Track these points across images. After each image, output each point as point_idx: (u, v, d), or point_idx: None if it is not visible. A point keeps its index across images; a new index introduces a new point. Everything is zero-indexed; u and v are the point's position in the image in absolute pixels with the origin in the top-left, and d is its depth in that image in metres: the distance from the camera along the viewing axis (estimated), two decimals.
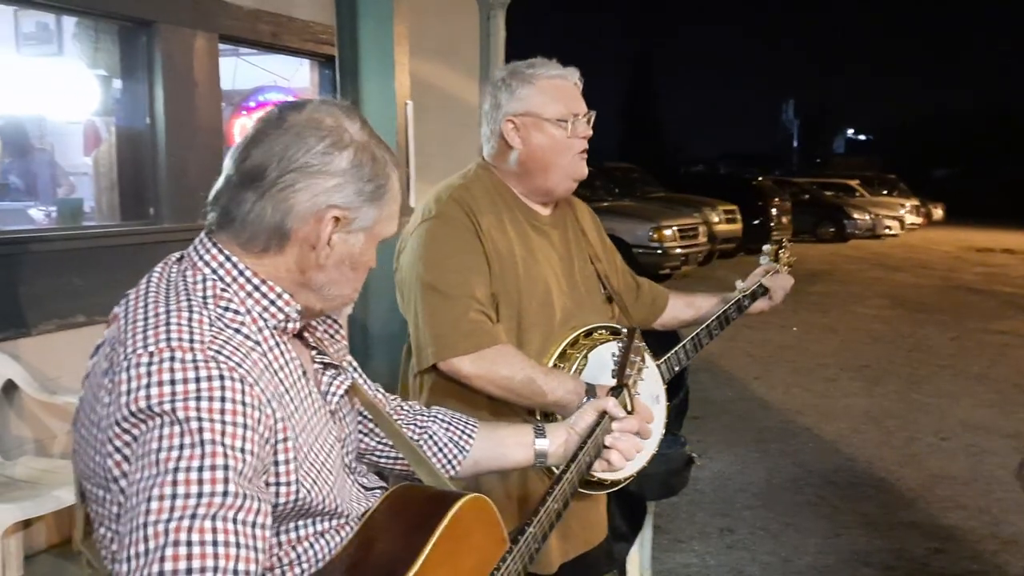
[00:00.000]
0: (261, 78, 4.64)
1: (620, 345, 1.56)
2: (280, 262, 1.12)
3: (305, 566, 1.13)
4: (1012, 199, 33.54)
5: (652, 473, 2.95)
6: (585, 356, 1.82)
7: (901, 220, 22.88)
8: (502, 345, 1.74)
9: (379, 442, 1.41)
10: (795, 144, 64.76)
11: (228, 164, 1.11)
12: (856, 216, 20.97)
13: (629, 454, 1.45)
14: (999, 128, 49.58)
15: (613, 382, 1.55)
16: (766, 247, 2.33)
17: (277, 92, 4.64)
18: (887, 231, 21.79)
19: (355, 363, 1.40)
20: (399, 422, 1.45)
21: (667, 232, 11.67)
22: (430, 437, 1.46)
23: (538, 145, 1.85)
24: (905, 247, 19.60)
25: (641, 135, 50.78)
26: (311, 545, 1.14)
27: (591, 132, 1.91)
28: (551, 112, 1.84)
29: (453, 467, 1.46)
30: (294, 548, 1.12)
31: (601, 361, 1.77)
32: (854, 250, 18.23)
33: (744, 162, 44.11)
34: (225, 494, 0.92)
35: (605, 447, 1.44)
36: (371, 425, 1.39)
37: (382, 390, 1.46)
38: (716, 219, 13.63)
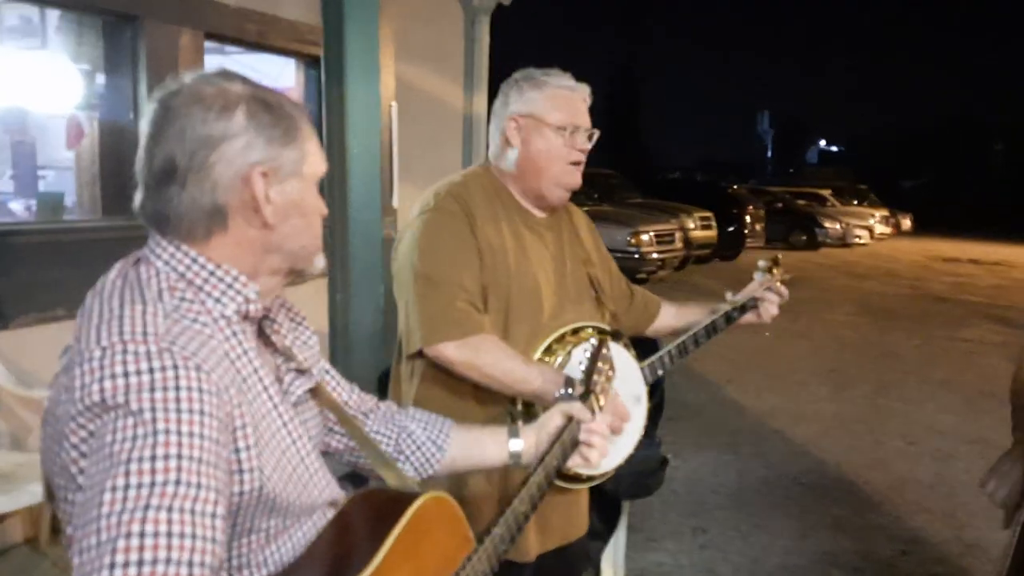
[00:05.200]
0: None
1: (589, 353, 1.61)
2: (230, 240, 1.11)
3: (271, 567, 1.12)
4: (979, 210, 34.20)
5: (627, 473, 3.01)
6: (568, 352, 1.88)
7: (871, 229, 23.26)
8: (487, 334, 1.80)
9: (354, 443, 1.42)
10: (769, 154, 65.41)
11: (140, 173, 1.11)
12: (827, 225, 21.27)
13: (596, 458, 1.49)
14: (966, 140, 50.45)
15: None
16: (761, 262, 2.31)
17: None
18: (857, 240, 22.13)
19: (329, 368, 1.41)
20: (375, 421, 1.47)
21: (644, 237, 11.79)
22: (408, 436, 1.47)
23: (535, 148, 1.92)
24: (874, 256, 19.90)
25: (621, 142, 51.01)
26: (279, 547, 1.14)
27: (589, 147, 1.97)
28: (553, 118, 1.90)
29: (432, 465, 1.48)
30: (263, 549, 1.11)
31: (584, 357, 1.83)
32: (825, 258, 18.47)
33: (720, 170, 44.53)
34: (178, 483, 0.90)
35: (575, 447, 1.48)
36: (341, 428, 1.40)
37: (358, 391, 1.47)
38: (692, 225, 13.76)
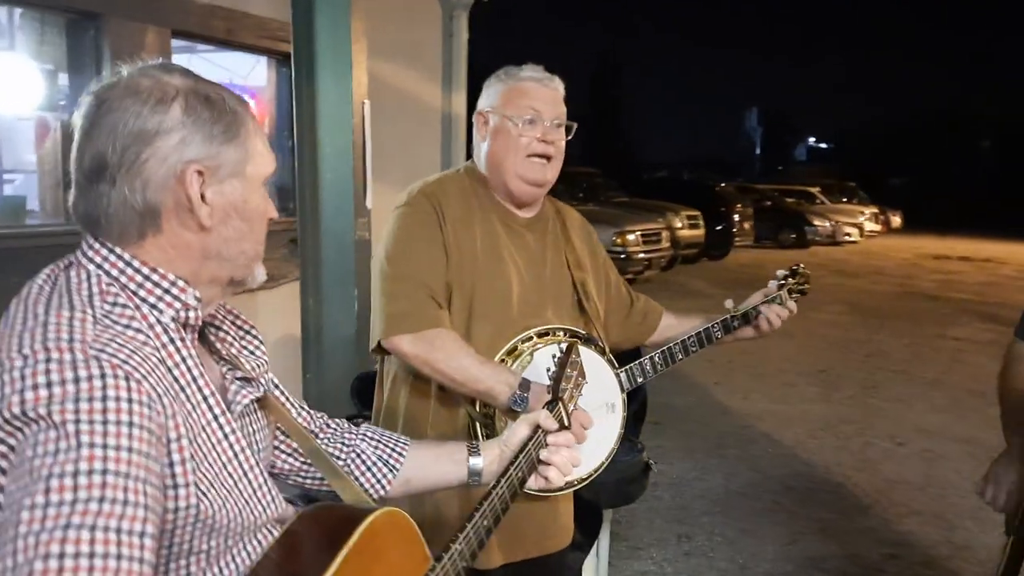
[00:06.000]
0: (217, 76, 4.55)
1: (557, 359, 1.53)
2: (164, 242, 1.05)
3: None
4: (969, 207, 34.33)
5: (608, 481, 2.92)
6: (531, 354, 1.83)
7: (860, 227, 23.27)
8: (443, 330, 1.79)
9: (303, 462, 1.35)
10: (758, 151, 65.57)
11: (73, 172, 1.05)
12: (817, 223, 21.26)
13: (565, 468, 1.42)
14: (956, 136, 50.68)
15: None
16: (780, 272, 2.16)
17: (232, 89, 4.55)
18: (847, 238, 22.14)
19: (277, 381, 1.34)
20: (325, 440, 1.40)
21: (630, 237, 11.70)
22: (358, 456, 1.40)
23: (495, 140, 1.92)
24: (864, 254, 19.91)
25: (605, 140, 51.04)
26: (221, 569, 1.07)
27: (556, 137, 1.92)
28: (511, 109, 1.89)
29: (383, 486, 1.41)
30: (203, 572, 1.04)
31: (549, 360, 1.76)
32: (814, 256, 18.44)
33: (708, 168, 44.55)
34: (102, 500, 0.84)
35: (541, 462, 1.41)
36: (293, 444, 1.33)
37: (307, 408, 1.41)
38: (679, 224, 13.71)
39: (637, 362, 2.00)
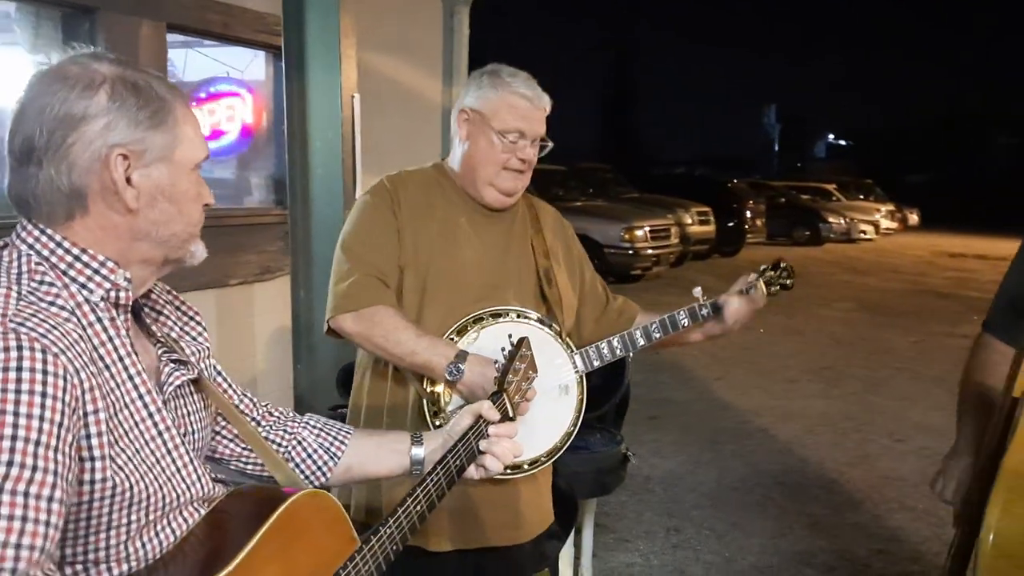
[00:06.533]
0: (214, 70, 4.59)
1: (507, 352, 1.55)
2: (92, 223, 1.09)
3: (133, 563, 1.09)
4: (987, 205, 33.92)
5: (585, 471, 2.96)
6: (478, 333, 1.87)
7: (876, 225, 23.08)
8: (383, 307, 1.82)
9: (243, 448, 1.38)
10: (776, 148, 65.13)
11: (6, 154, 1.09)
12: (831, 220, 21.11)
13: (505, 458, 1.44)
14: (976, 134, 50.10)
15: (498, 356, 1.59)
16: (761, 266, 2.10)
17: (228, 83, 4.58)
18: (862, 235, 21.97)
19: (219, 367, 1.38)
20: (267, 428, 1.43)
21: (638, 233, 11.68)
22: (299, 443, 1.43)
23: (475, 145, 1.94)
24: (878, 251, 19.76)
25: (617, 136, 50.88)
26: (145, 543, 1.10)
27: (533, 157, 1.96)
28: (498, 123, 1.91)
29: (324, 473, 1.43)
30: (125, 545, 1.08)
31: (495, 338, 1.82)
32: (827, 254, 18.33)
33: (724, 165, 44.29)
34: (10, 464, 0.89)
35: (480, 452, 1.43)
36: (234, 430, 1.36)
37: (251, 396, 1.44)
38: (689, 221, 13.66)
39: (594, 344, 1.99)
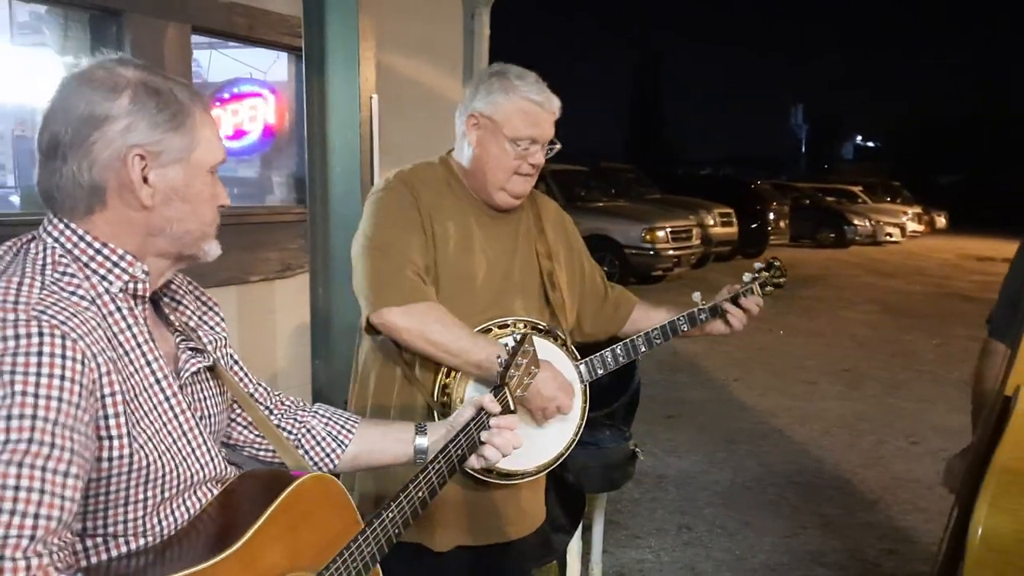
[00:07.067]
0: (238, 71, 4.68)
1: (509, 348, 1.60)
2: (111, 218, 1.16)
3: (150, 538, 1.16)
4: (1018, 207, 33.35)
5: (593, 466, 3.00)
6: None
7: (902, 227, 22.84)
8: (433, 303, 1.82)
9: (256, 435, 1.45)
10: (803, 149, 64.55)
11: (35, 150, 1.16)
12: (856, 222, 20.93)
13: (504, 449, 1.49)
14: (1007, 135, 49.29)
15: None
16: (757, 264, 2.15)
17: (251, 84, 4.68)
18: (888, 238, 21.76)
19: (239, 360, 1.44)
20: (278, 416, 1.49)
21: (660, 233, 11.64)
22: (308, 431, 1.50)
23: (485, 151, 1.91)
24: (904, 254, 19.56)
25: (646, 137, 50.72)
26: (162, 519, 1.17)
27: (543, 160, 1.96)
28: (510, 130, 1.88)
29: (331, 460, 1.50)
30: (143, 520, 1.15)
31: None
32: (852, 256, 18.19)
33: (751, 166, 44.02)
34: (30, 441, 0.96)
35: (481, 443, 1.48)
36: (248, 417, 1.43)
37: (265, 385, 1.50)
38: (711, 222, 13.61)
39: (598, 354, 2.01)
